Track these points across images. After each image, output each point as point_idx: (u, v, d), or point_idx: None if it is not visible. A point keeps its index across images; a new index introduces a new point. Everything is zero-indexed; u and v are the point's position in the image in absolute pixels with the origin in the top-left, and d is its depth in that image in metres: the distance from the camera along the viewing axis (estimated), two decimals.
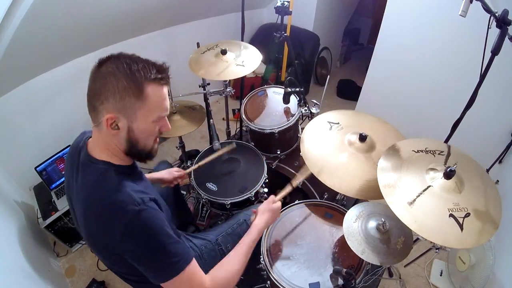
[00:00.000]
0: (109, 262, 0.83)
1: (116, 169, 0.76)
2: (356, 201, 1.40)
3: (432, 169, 0.97)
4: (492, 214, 0.88)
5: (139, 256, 0.71)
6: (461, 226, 0.84)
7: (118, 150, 0.76)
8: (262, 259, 1.08)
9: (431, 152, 1.04)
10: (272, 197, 1.09)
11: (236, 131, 2.29)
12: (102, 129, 0.72)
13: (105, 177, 0.73)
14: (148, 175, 1.11)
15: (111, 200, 0.69)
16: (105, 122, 0.70)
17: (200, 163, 1.40)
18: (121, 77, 0.68)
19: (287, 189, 1.14)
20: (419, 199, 0.90)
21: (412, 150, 1.04)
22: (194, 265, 0.76)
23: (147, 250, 0.70)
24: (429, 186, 0.92)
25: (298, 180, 1.20)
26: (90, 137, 0.83)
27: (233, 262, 0.87)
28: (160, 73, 0.72)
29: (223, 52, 1.56)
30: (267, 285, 1.13)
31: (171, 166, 1.41)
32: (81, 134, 0.88)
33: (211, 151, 1.59)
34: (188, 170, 1.36)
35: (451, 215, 0.86)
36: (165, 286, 0.74)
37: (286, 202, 1.71)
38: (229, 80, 1.67)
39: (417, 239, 1.08)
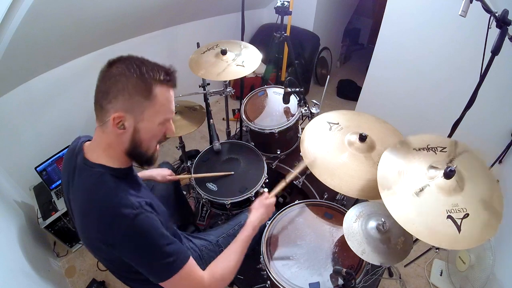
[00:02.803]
0: (108, 263, 0.84)
1: (113, 172, 0.76)
2: (356, 201, 1.40)
3: (433, 167, 0.96)
4: (495, 210, 0.87)
5: (137, 258, 0.73)
6: (459, 228, 0.83)
7: (120, 152, 0.77)
8: (262, 259, 1.08)
9: (433, 149, 1.03)
10: (266, 193, 1.13)
11: (236, 131, 2.29)
12: (107, 128, 0.73)
13: (101, 181, 0.73)
14: (139, 174, 1.11)
15: (108, 204, 0.70)
16: (112, 121, 0.70)
17: (198, 175, 1.42)
18: (131, 77, 0.70)
19: (281, 184, 1.16)
20: (417, 201, 0.89)
21: (414, 149, 1.04)
22: (191, 264, 0.77)
23: (145, 252, 0.71)
24: (426, 185, 0.92)
25: (292, 175, 1.20)
26: (87, 141, 0.83)
27: (229, 258, 0.90)
28: (168, 75, 0.74)
29: (223, 52, 1.56)
30: (267, 285, 1.13)
31: (173, 168, 1.41)
32: (76, 139, 0.88)
33: (211, 151, 1.59)
34: (182, 176, 1.37)
35: (449, 217, 0.85)
36: (164, 285, 0.75)
37: (286, 202, 1.72)
38: (229, 80, 1.67)
39: (417, 239, 1.08)
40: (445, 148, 1.03)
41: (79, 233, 0.80)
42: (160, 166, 1.39)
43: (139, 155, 0.78)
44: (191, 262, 0.78)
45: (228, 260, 0.89)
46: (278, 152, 1.62)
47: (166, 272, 0.73)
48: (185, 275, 0.75)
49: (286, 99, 1.53)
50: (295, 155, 1.66)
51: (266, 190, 1.43)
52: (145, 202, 0.74)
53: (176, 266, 0.74)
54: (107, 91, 0.71)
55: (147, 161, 0.81)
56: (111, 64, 0.72)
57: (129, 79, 0.69)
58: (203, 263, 1.04)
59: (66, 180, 0.82)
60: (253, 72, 1.54)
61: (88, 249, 0.83)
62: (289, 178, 1.18)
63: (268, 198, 1.10)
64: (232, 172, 1.45)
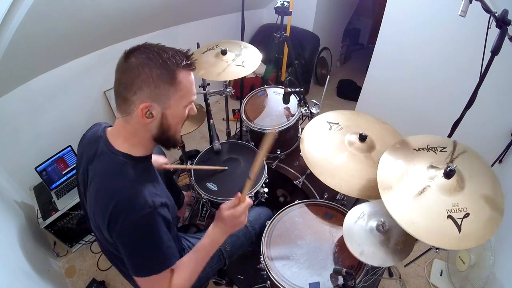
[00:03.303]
0: (112, 249, 0.84)
1: (135, 163, 0.77)
2: (356, 201, 1.40)
3: (433, 167, 0.97)
4: (497, 206, 0.87)
5: (128, 251, 0.74)
6: (459, 228, 0.83)
7: (145, 139, 0.79)
8: (262, 259, 1.08)
9: (432, 149, 1.03)
10: (237, 196, 0.88)
11: (236, 131, 2.29)
12: (133, 119, 0.74)
13: (123, 170, 0.75)
14: None
15: (124, 195, 0.71)
16: (140, 112, 0.71)
17: (195, 166, 1.43)
18: (154, 66, 0.70)
19: (248, 185, 0.90)
20: (417, 201, 0.90)
21: (414, 149, 1.04)
22: (168, 271, 0.78)
23: (138, 249, 0.73)
24: (427, 186, 0.92)
25: (255, 171, 0.90)
26: (108, 126, 0.85)
27: (186, 269, 0.84)
28: (188, 59, 0.75)
29: (223, 52, 1.56)
30: (267, 285, 1.13)
31: (163, 153, 1.40)
32: (96, 125, 0.89)
33: (211, 151, 1.59)
34: (177, 166, 1.36)
35: (449, 217, 0.85)
36: (137, 281, 0.77)
37: (286, 202, 1.72)
38: (229, 80, 1.67)
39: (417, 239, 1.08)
40: (445, 148, 1.03)
41: (89, 217, 0.82)
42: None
43: (167, 139, 0.81)
44: (170, 269, 0.78)
45: (185, 270, 0.84)
46: (278, 152, 1.62)
47: (146, 270, 0.74)
48: (161, 279, 0.76)
49: (286, 99, 1.53)
50: (295, 155, 1.66)
51: (266, 190, 1.43)
52: (160, 203, 0.75)
53: (160, 268, 0.75)
54: (130, 82, 0.71)
55: (173, 144, 0.84)
56: (129, 55, 0.72)
57: (152, 68, 0.70)
58: None
59: (85, 163, 0.82)
60: (253, 72, 1.54)
61: (95, 236, 0.85)
62: (253, 175, 0.90)
63: (238, 205, 0.87)
64: (226, 168, 1.45)
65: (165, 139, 0.80)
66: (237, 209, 0.86)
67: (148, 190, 0.74)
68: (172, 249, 0.77)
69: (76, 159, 0.91)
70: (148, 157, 0.84)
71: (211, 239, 0.88)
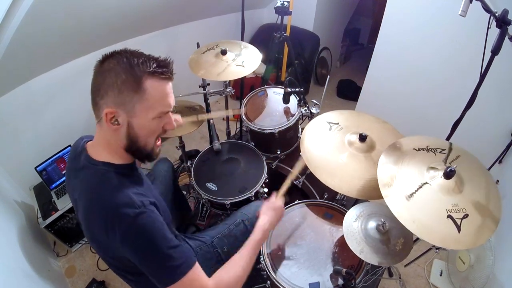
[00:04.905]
0: (112, 260, 0.83)
1: (116, 170, 0.75)
2: (356, 201, 1.40)
3: (432, 168, 0.97)
4: (492, 213, 0.88)
5: (139, 259, 0.71)
6: (458, 228, 0.84)
7: (119, 147, 0.76)
8: (262, 259, 1.08)
9: (432, 150, 1.04)
10: (273, 195, 1.08)
11: (236, 131, 2.29)
12: (103, 125, 0.72)
13: (105, 178, 0.73)
14: None
15: (111, 202, 0.69)
16: (105, 117, 0.70)
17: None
18: (120, 71, 0.68)
19: (286, 183, 1.12)
20: (418, 199, 0.90)
21: (413, 149, 1.04)
22: (196, 270, 0.74)
23: (147, 254, 0.70)
24: (425, 183, 0.93)
25: (294, 173, 1.19)
26: (89, 140, 0.84)
27: (237, 265, 0.83)
28: (160, 67, 0.70)
29: (223, 52, 1.56)
30: (267, 285, 1.13)
31: (171, 164, 1.41)
32: (79, 139, 0.89)
33: (211, 151, 1.59)
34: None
35: (449, 216, 0.85)
36: None
37: (286, 202, 1.72)
38: (229, 80, 1.67)
39: (417, 239, 1.08)
40: (444, 150, 1.03)
41: (84, 231, 0.81)
42: (158, 163, 1.38)
43: (138, 151, 0.77)
44: (196, 267, 0.74)
45: (236, 267, 0.83)
46: (278, 152, 1.62)
47: (169, 276, 0.70)
48: (189, 282, 0.72)
49: (286, 99, 1.53)
50: (295, 155, 1.66)
51: (266, 190, 1.43)
52: (149, 202, 0.73)
53: (181, 271, 0.71)
54: (98, 86, 0.70)
55: (147, 157, 0.80)
56: (104, 59, 0.71)
57: (118, 73, 0.68)
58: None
59: (72, 179, 0.81)
60: (253, 72, 1.54)
61: (93, 247, 0.83)
62: (291, 176, 1.15)
63: (276, 201, 1.06)
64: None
65: (135, 150, 0.77)
66: (281, 201, 1.07)
67: (132, 192, 0.72)
68: (183, 247, 0.74)
69: (66, 176, 0.90)
70: (131, 166, 0.81)
71: (263, 232, 0.94)
